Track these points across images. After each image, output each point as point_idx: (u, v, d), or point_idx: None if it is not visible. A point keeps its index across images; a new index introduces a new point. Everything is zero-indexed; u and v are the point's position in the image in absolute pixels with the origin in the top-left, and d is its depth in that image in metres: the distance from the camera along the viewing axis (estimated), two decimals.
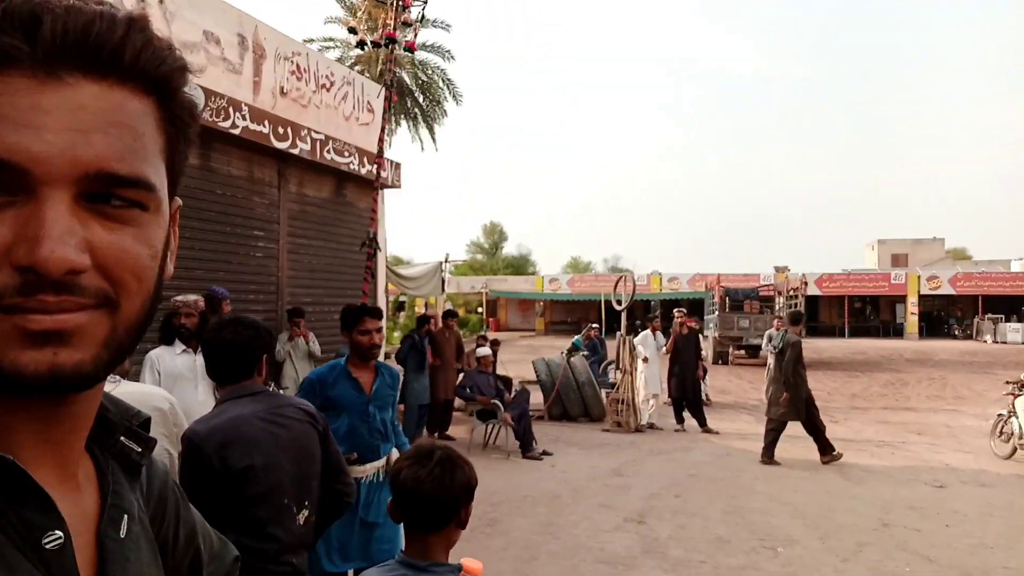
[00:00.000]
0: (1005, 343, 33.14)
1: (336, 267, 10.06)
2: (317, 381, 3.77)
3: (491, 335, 18.73)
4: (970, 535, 6.18)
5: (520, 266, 59.45)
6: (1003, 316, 36.63)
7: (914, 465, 8.96)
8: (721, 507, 7.03)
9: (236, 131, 7.82)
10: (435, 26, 25.80)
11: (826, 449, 9.14)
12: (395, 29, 10.26)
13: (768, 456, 9.10)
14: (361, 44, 10.40)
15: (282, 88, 9.00)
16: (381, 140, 9.24)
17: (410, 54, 10.86)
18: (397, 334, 18.25)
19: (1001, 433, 9.41)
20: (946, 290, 39.89)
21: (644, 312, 23.92)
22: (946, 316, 42.18)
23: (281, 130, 8.53)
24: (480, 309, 42.42)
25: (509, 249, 64.12)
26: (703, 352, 12.87)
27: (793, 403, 9.01)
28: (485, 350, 10.50)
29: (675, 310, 12.18)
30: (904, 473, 8.54)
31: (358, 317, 3.83)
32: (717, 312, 23.50)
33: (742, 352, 24.04)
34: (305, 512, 2.33)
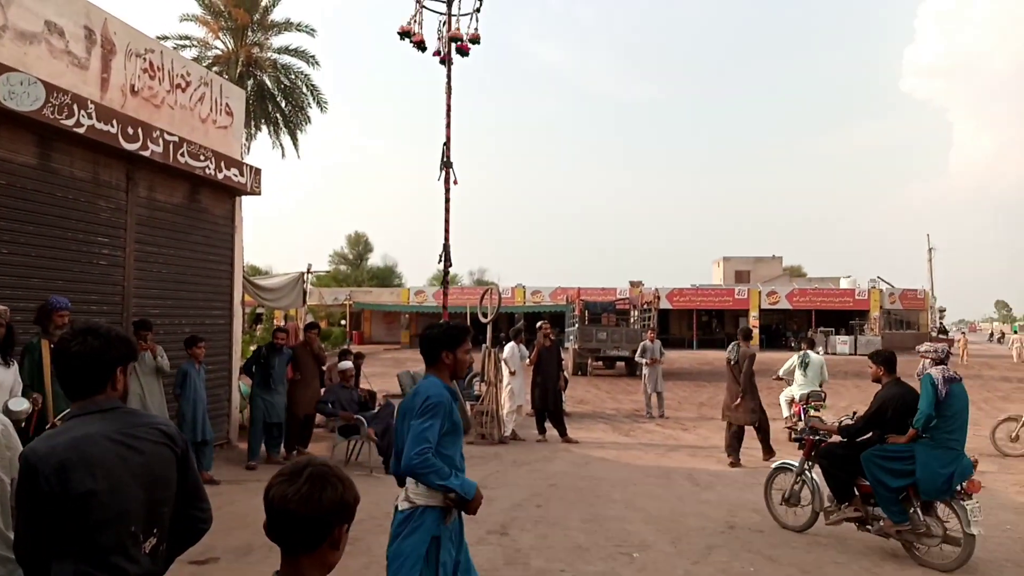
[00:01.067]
0: (835, 354, 36.22)
1: (188, 277, 9.55)
2: (448, 405, 3.37)
3: (354, 348, 18.37)
4: (807, 533, 6.68)
5: (385, 278, 58.64)
6: (834, 329, 40.02)
7: (757, 468, 9.58)
8: (580, 516, 7.23)
9: (80, 130, 7.29)
10: (299, 30, 25.18)
11: (768, 451, 9.98)
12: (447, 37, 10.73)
13: (734, 457, 9.95)
14: (420, 46, 10.58)
15: (133, 86, 8.48)
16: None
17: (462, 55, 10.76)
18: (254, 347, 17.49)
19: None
20: (783, 305, 43.09)
21: (508, 325, 24.26)
22: (784, 329, 45.50)
23: (131, 130, 8.02)
24: (343, 321, 41.47)
25: (375, 260, 63.18)
26: (564, 363, 13.22)
27: (749, 409, 9.91)
28: (347, 364, 10.28)
29: (539, 323, 12.45)
30: (748, 477, 9.12)
31: (464, 335, 3.54)
32: (577, 325, 24.21)
33: (600, 363, 24.88)
34: (153, 540, 2.19)
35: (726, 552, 6.16)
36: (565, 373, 13.17)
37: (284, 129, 26.51)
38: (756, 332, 42.45)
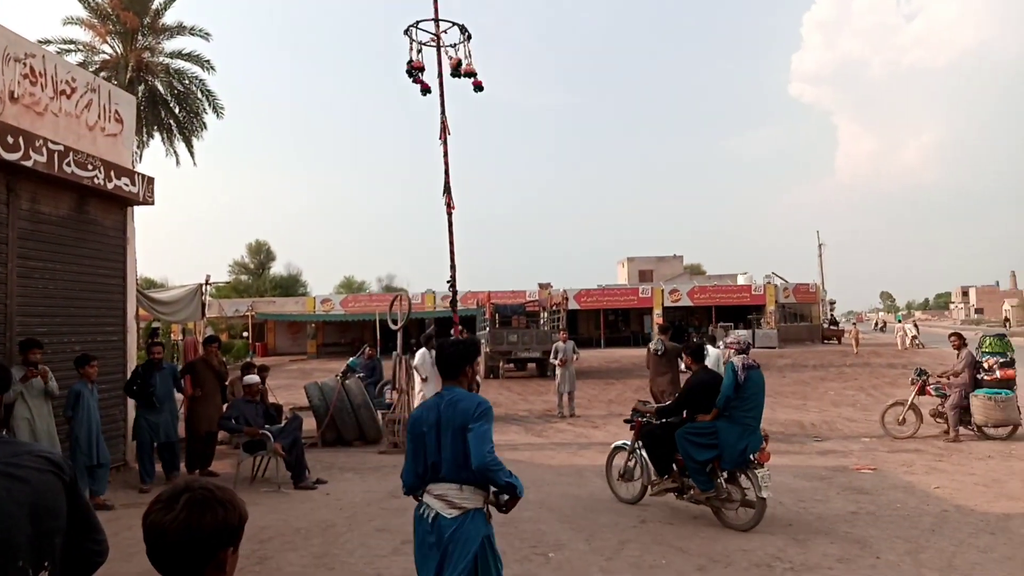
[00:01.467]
0: None
1: (77, 292, 9.05)
2: None
3: (258, 360, 17.82)
4: (713, 523, 6.92)
5: (290, 287, 57.13)
6: (732, 324, 41.62)
7: None
8: (495, 519, 7.24)
9: None
10: (193, 34, 24.25)
11: None
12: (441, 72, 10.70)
13: None
14: (425, 91, 10.52)
15: (12, 93, 7.97)
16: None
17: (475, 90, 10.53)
18: None
19: None
20: (685, 302, 44.51)
21: (419, 331, 24.09)
22: (686, 325, 47.02)
23: (11, 139, 7.54)
24: (245, 333, 40.14)
25: (277, 269, 61.46)
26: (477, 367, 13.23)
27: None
28: (252, 377, 9.97)
29: (451, 328, 12.42)
30: None
31: (479, 347, 3.64)
32: (488, 328, 24.29)
33: (511, 366, 25.04)
34: (44, 574, 2.08)
35: (638, 546, 6.31)
36: (477, 378, 13.18)
37: (179, 136, 25.45)
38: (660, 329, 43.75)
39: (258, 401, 9.89)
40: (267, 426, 9.17)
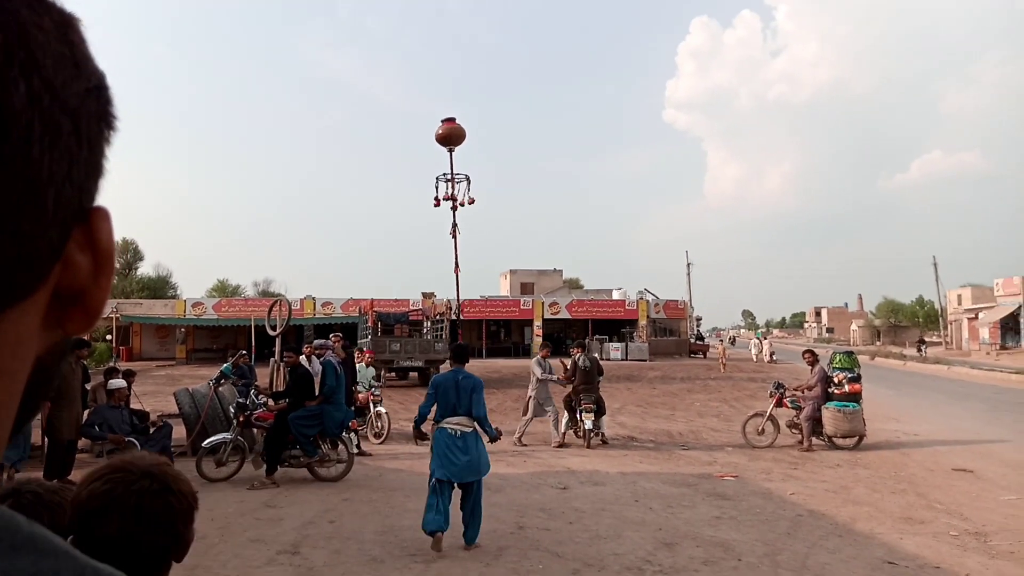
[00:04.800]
0: (608, 359, 38.92)
1: None
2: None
3: (123, 365, 16.81)
4: (588, 529, 7.17)
5: (158, 288, 54.16)
6: (608, 337, 42.97)
7: (543, 471, 10.10)
8: (374, 528, 7.21)
9: None
10: None
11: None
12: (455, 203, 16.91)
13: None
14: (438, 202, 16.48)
15: None
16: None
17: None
18: None
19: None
20: (564, 315, 45.59)
21: (297, 338, 23.42)
22: (565, 337, 48.08)
23: None
24: (109, 336, 37.68)
25: (145, 270, 58.13)
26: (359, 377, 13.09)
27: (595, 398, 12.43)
28: (119, 382, 9.47)
29: (331, 334, 12.20)
30: (535, 479, 9.59)
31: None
32: (370, 336, 23.95)
33: (393, 374, 24.79)
34: None
35: (516, 552, 6.45)
36: (357, 388, 13.03)
37: None
38: (540, 340, 44.51)
39: (123, 407, 9.38)
40: (133, 434, 8.71)
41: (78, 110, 0.37)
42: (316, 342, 10.92)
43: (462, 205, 16.63)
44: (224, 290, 59.07)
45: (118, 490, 1.30)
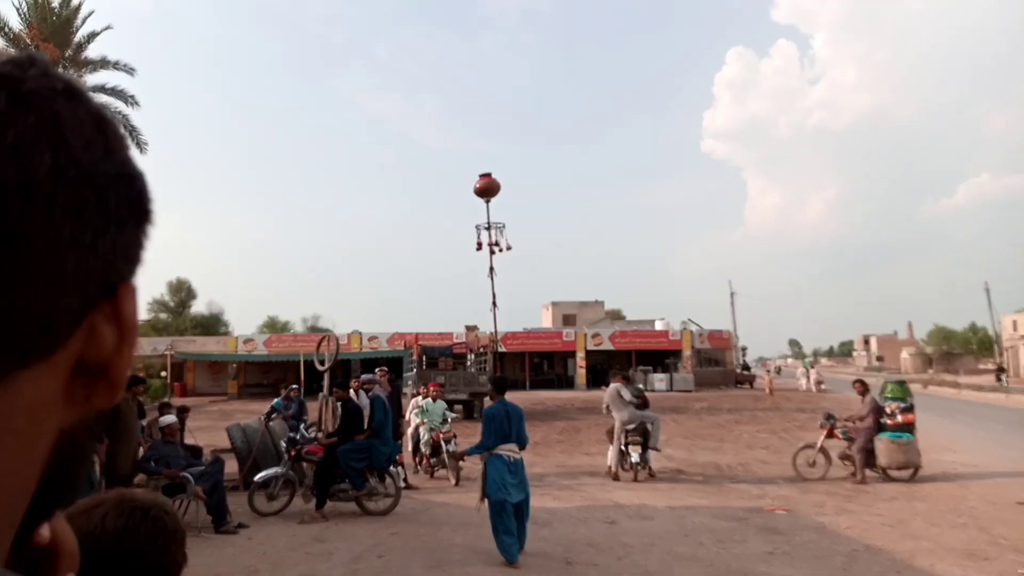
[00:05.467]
0: (654, 391, 38.50)
1: None
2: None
3: (177, 401, 17.22)
4: (637, 564, 7.09)
5: (211, 326, 55.29)
6: (652, 368, 42.55)
7: (590, 504, 10.02)
8: (423, 563, 7.24)
9: None
10: (117, 68, 23.71)
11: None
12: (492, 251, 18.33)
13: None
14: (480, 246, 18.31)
15: None
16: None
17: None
18: None
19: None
20: (607, 346, 45.29)
21: (344, 372, 23.73)
22: (607, 368, 47.73)
23: None
24: (164, 373, 38.59)
25: (199, 307, 59.49)
26: (403, 409, 13.20)
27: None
28: (170, 418, 9.70)
29: (377, 369, 12.36)
30: (582, 512, 9.52)
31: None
32: (415, 370, 24.13)
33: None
34: None
35: None
36: (404, 419, 13.12)
37: None
38: (583, 372, 44.28)
39: (177, 443, 9.62)
40: (187, 469, 8.92)
41: (105, 189, 0.40)
42: (363, 376, 11.07)
43: (500, 251, 18.29)
44: (274, 326, 60.09)
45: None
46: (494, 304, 18.25)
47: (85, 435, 0.44)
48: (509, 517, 7.19)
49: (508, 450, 7.48)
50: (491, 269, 18.06)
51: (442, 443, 12.34)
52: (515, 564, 7.04)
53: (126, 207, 0.41)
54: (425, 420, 12.77)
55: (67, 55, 23.28)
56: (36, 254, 0.36)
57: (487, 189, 17.92)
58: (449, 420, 12.87)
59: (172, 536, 1.23)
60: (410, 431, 13.30)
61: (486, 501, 7.39)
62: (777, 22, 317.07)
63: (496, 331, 20.04)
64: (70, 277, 0.38)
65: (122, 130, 0.43)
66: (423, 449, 12.70)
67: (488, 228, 18.58)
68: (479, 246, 18.53)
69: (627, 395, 12.44)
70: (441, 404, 13.14)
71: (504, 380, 8.18)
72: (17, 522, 0.40)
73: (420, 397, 13.63)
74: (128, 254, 0.42)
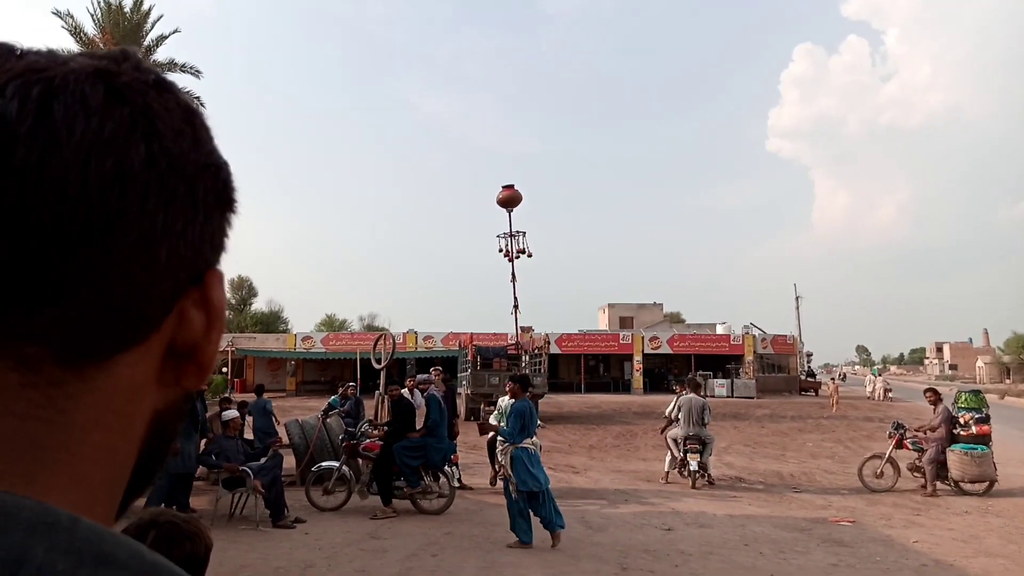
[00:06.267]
0: (713, 396, 37.77)
1: None
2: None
3: (237, 396, 17.63)
4: (694, 573, 6.91)
5: (270, 323, 56.68)
6: (712, 373, 41.80)
7: (646, 510, 9.85)
8: (476, 563, 7.20)
9: None
10: (184, 71, 24.46)
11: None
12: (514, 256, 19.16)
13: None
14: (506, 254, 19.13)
15: None
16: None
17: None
18: None
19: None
20: (665, 349, 44.66)
21: (400, 371, 23.96)
22: (665, 372, 47.07)
23: None
24: (224, 369, 39.66)
25: (259, 305, 61.05)
26: (458, 409, 13.20)
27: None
28: (232, 413, 9.91)
29: (432, 368, 12.40)
30: (638, 519, 9.36)
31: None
32: (469, 370, 24.21)
33: (492, 408, 24.88)
34: None
35: None
36: (457, 421, 13.11)
37: None
38: (640, 376, 43.76)
39: (237, 437, 9.81)
40: (246, 463, 9.08)
41: (195, 179, 0.41)
42: (419, 376, 11.07)
43: (519, 257, 19.05)
44: (332, 325, 61.20)
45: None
46: (515, 307, 19.13)
47: (176, 416, 0.45)
48: (528, 507, 7.92)
49: (531, 443, 8.20)
50: (513, 275, 18.95)
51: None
52: (530, 544, 7.73)
53: (213, 196, 0.43)
54: (501, 422, 11.67)
55: None
56: (132, 243, 0.38)
57: (510, 200, 18.27)
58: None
59: (198, 561, 1.57)
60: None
61: (510, 485, 7.97)
62: (847, 18, 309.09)
63: (518, 332, 21.07)
64: (163, 265, 0.39)
65: (208, 122, 0.44)
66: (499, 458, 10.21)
67: (511, 236, 19.11)
68: (505, 254, 19.06)
69: (695, 415, 12.00)
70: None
71: (527, 378, 9.00)
72: (120, 497, 0.42)
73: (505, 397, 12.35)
74: (215, 242, 0.44)
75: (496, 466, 11.44)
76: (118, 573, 0.34)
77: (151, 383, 0.42)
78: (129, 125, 0.38)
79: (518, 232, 19.23)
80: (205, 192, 0.42)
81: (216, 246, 0.44)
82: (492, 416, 12.42)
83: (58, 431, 0.38)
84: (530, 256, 18.68)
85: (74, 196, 0.36)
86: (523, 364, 25.74)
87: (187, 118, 0.42)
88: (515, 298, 18.16)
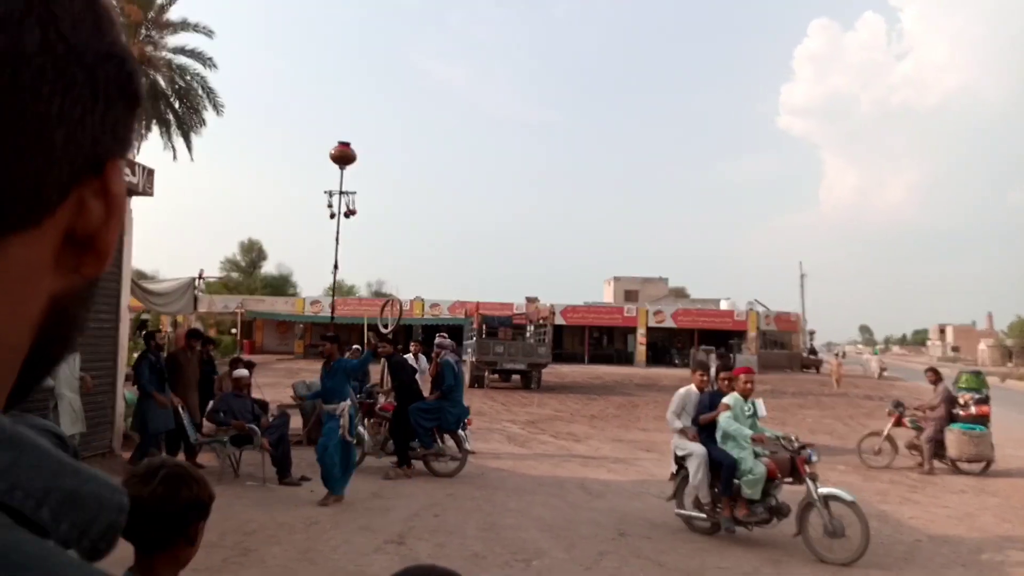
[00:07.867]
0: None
1: None
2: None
3: (245, 357, 17.81)
4: (691, 541, 7.07)
5: (280, 286, 56.85)
6: (715, 348, 41.93)
7: (645, 479, 9.99)
8: (477, 524, 7.37)
9: None
10: (196, 31, 24.33)
11: None
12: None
13: None
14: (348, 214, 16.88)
15: None
16: None
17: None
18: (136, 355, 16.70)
19: None
20: (669, 323, 44.79)
21: (406, 337, 24.14)
22: (669, 346, 47.26)
23: None
24: (234, 330, 39.95)
25: (268, 268, 61.21)
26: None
27: None
28: (243, 371, 10.05)
29: (437, 335, 12.51)
30: (636, 487, 9.51)
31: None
32: (475, 338, 24.38)
33: (496, 376, 25.14)
34: None
35: (616, 558, 6.44)
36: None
37: (177, 131, 25.48)
38: (644, 349, 43.94)
39: (246, 396, 9.96)
40: (253, 421, 9.24)
41: (95, 68, 0.41)
42: (437, 341, 11.16)
43: (349, 217, 18.38)
44: (340, 289, 61.35)
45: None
46: (335, 267, 18.16)
47: (77, 303, 0.45)
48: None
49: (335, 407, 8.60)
50: (337, 236, 17.56)
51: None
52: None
53: (115, 87, 0.43)
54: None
55: (150, 17, 23.98)
56: (25, 126, 0.37)
57: (343, 157, 18.02)
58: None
59: (203, 504, 1.73)
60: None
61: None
62: None
63: (333, 297, 20.66)
64: (59, 150, 0.39)
65: (113, 13, 0.44)
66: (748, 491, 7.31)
67: (342, 194, 18.82)
68: (331, 214, 18.73)
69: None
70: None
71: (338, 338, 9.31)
72: (11, 379, 0.42)
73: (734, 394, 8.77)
74: (117, 133, 0.43)
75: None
76: None
77: (47, 268, 0.41)
78: (24, 7, 0.38)
79: (348, 192, 18.94)
80: (107, 82, 0.42)
81: (120, 138, 0.44)
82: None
83: None
84: (355, 214, 17.67)
85: None
86: (528, 334, 25.94)
87: (88, 6, 0.41)
88: (336, 260, 17.85)
